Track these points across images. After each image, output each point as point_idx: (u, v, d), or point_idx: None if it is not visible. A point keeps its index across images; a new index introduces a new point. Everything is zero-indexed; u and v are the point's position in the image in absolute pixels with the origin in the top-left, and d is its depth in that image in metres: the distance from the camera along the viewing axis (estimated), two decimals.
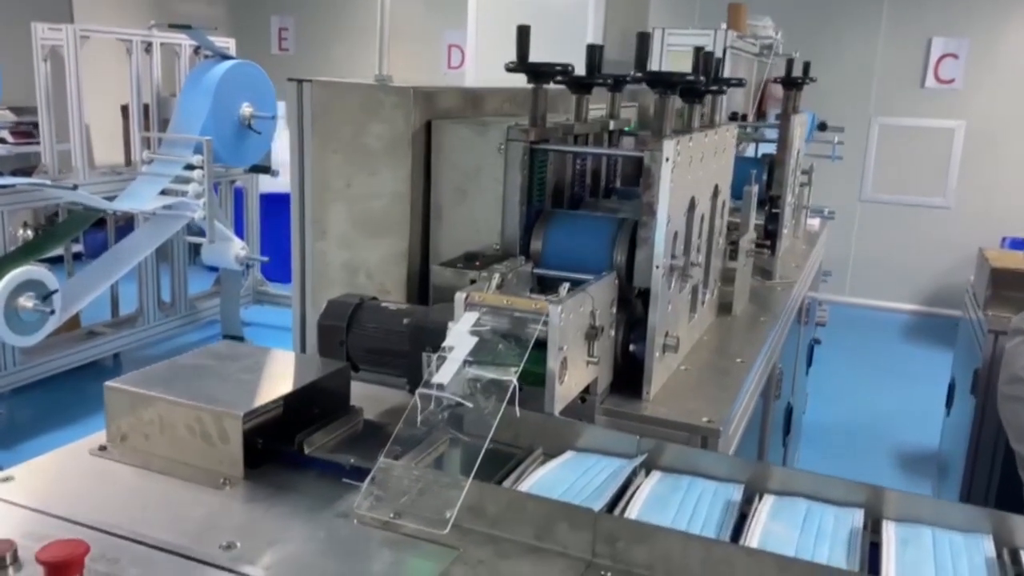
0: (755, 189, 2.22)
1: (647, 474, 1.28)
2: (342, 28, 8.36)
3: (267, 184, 5.96)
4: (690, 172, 1.64)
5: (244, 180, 5.77)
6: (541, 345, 1.34)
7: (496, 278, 1.45)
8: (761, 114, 5.01)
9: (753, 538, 1.10)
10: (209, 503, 1.19)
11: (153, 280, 5.28)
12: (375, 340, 1.46)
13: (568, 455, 1.34)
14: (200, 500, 1.19)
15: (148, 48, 5.02)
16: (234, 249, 4.85)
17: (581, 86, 1.82)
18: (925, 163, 6.89)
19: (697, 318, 1.91)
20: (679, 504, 1.19)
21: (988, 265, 3.05)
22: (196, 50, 5.18)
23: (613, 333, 1.56)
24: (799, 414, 3.42)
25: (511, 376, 1.24)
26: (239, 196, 5.90)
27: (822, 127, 4.80)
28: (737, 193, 2.22)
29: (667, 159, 1.51)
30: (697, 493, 1.23)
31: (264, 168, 5.38)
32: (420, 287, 1.74)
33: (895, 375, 5.67)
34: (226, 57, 4.60)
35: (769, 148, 3.16)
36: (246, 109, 4.56)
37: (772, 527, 1.13)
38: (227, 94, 4.44)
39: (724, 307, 2.18)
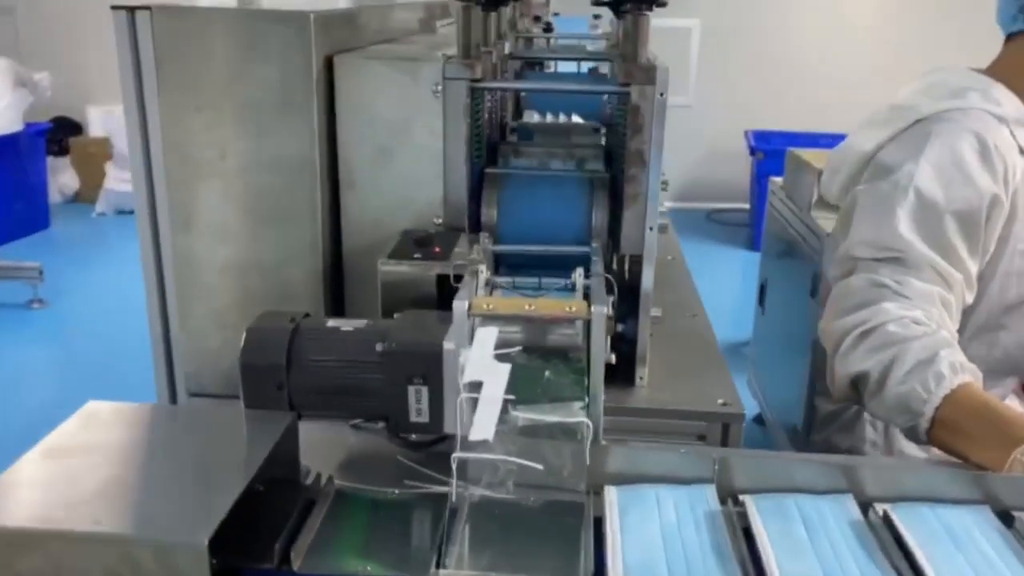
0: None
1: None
2: None
3: None
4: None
5: None
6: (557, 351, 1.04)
7: (483, 273, 1.10)
8: None
9: None
10: None
11: None
12: (332, 377, 1.05)
13: (621, 492, 1.04)
14: None
15: None
16: None
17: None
18: (667, 64, 7.06)
19: None
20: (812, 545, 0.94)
21: (808, 166, 3.06)
22: None
23: None
24: None
25: (580, 414, 0.92)
26: None
27: None
28: None
29: (661, 94, 1.21)
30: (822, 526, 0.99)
31: None
32: (334, 283, 1.32)
33: None
34: None
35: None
36: None
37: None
38: None
39: None
